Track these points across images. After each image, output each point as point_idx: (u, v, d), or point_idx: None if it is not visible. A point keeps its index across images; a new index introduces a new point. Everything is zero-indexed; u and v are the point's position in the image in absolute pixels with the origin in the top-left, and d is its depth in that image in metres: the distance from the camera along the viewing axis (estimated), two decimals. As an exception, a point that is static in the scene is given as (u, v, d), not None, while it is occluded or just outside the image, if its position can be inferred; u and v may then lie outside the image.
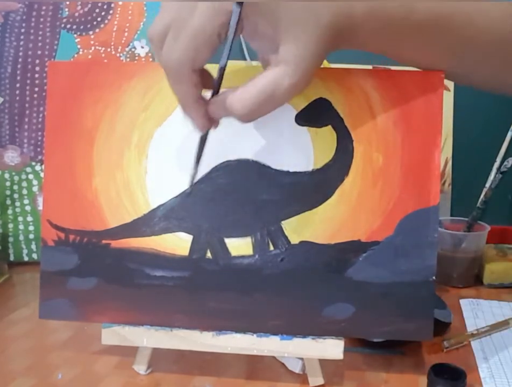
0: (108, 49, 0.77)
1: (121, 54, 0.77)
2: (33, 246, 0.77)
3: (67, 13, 0.76)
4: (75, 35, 0.77)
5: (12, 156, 0.76)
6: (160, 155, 0.48)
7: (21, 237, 0.77)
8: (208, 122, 0.42)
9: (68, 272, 0.49)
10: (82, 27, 0.77)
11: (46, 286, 0.49)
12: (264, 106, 0.39)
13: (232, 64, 0.42)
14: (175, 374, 0.49)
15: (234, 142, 0.47)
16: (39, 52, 0.76)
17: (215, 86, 0.40)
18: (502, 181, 0.68)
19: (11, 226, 0.77)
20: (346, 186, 0.47)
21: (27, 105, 0.76)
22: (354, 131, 0.47)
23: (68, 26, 0.76)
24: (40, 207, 0.76)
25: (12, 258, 0.77)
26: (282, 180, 0.47)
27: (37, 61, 0.76)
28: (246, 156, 0.47)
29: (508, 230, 0.80)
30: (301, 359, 0.49)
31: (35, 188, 0.77)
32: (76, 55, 0.77)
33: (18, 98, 0.76)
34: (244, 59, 0.76)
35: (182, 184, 0.48)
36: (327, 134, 0.47)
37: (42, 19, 0.76)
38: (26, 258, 0.77)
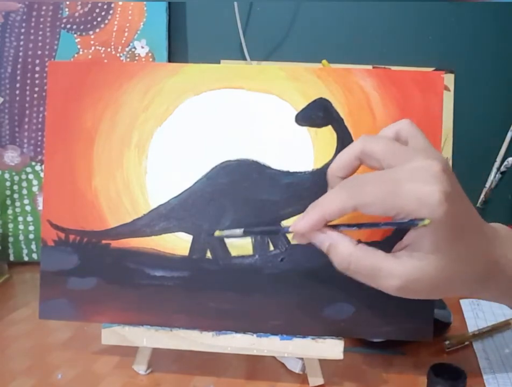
0: (108, 49, 0.77)
1: (121, 54, 0.77)
2: (33, 246, 0.77)
3: (67, 13, 0.76)
4: (75, 35, 0.77)
5: (12, 156, 0.76)
6: (160, 155, 0.48)
7: (21, 237, 0.77)
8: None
9: (67, 272, 0.49)
10: (82, 27, 0.77)
11: (46, 286, 0.49)
12: None
13: (232, 64, 0.42)
14: (175, 374, 0.49)
15: (234, 142, 0.47)
16: (39, 52, 0.76)
17: None
18: (502, 181, 0.68)
19: (11, 226, 0.77)
20: (346, 186, 0.46)
21: (27, 105, 0.76)
22: (354, 131, 0.47)
23: (68, 26, 0.76)
24: (40, 207, 0.76)
25: (12, 258, 0.77)
26: (282, 180, 0.47)
27: (37, 61, 0.76)
28: (246, 156, 0.47)
29: (508, 230, 0.80)
30: (301, 359, 0.49)
31: (35, 188, 0.77)
32: (76, 55, 0.77)
33: (18, 98, 0.76)
34: (245, 59, 0.76)
35: (182, 184, 0.48)
36: (327, 134, 0.47)
37: (42, 19, 0.76)
38: (26, 258, 0.77)
